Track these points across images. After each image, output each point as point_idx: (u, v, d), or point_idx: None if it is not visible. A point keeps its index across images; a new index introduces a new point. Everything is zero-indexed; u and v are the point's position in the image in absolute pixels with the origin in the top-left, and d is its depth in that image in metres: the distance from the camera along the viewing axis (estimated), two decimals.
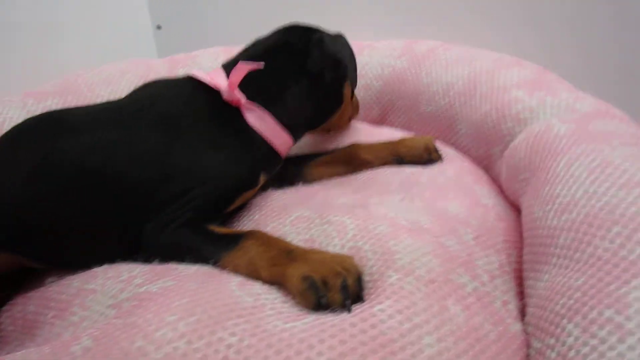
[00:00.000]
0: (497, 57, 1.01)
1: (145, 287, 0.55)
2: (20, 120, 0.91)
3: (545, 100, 0.83)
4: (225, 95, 0.74)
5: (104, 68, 1.21)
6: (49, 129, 0.74)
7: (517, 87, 0.89)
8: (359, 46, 1.25)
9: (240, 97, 0.74)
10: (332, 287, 0.50)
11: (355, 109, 1.02)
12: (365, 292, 0.52)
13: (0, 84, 1.15)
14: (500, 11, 1.27)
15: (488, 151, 0.90)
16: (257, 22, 1.70)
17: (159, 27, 1.79)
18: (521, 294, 0.60)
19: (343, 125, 1.01)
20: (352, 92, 0.94)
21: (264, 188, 0.81)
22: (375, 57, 1.21)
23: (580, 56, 1.17)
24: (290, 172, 0.87)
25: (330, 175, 0.88)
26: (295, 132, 0.82)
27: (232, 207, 0.74)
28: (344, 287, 0.50)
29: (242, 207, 0.77)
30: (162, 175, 0.68)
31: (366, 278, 0.54)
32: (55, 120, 0.77)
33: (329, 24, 1.36)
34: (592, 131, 0.69)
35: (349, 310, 0.49)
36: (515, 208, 0.77)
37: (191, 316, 0.48)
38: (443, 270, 0.54)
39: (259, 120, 0.76)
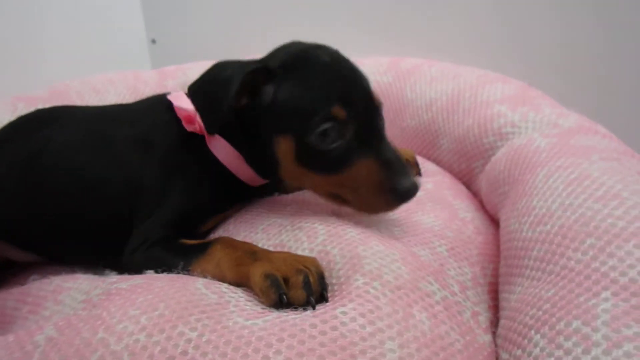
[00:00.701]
0: (482, 73, 1.02)
1: (115, 285, 0.54)
2: (8, 120, 0.94)
3: (528, 115, 0.83)
4: (185, 126, 0.71)
5: (93, 77, 1.24)
6: (39, 123, 0.81)
7: (500, 102, 0.89)
8: None
9: (200, 127, 0.70)
10: (293, 284, 0.50)
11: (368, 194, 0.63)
12: (329, 293, 0.51)
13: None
14: (484, 30, 1.29)
15: (469, 166, 0.90)
16: (250, 37, 1.74)
17: (153, 41, 1.81)
18: (495, 307, 0.60)
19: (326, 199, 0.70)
20: (312, 156, 0.63)
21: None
22: None
23: (564, 75, 1.18)
24: (270, 183, 0.84)
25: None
26: (261, 172, 0.72)
27: (206, 227, 0.73)
28: (306, 284, 0.49)
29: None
30: (132, 189, 0.72)
31: (332, 281, 0.53)
32: (50, 115, 0.83)
33: (318, 40, 1.37)
34: (573, 145, 0.69)
35: (314, 307, 0.48)
36: (495, 223, 0.76)
37: (154, 311, 0.47)
38: (411, 277, 0.54)
39: (220, 151, 0.71)
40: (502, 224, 0.68)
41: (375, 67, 1.21)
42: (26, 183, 0.75)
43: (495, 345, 0.52)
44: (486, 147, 0.85)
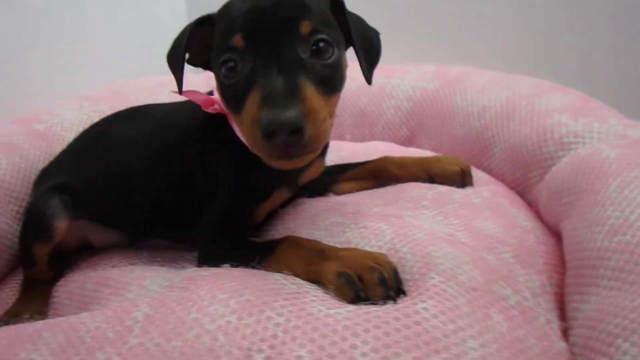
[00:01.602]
0: (538, 82, 0.99)
1: (197, 273, 0.57)
2: (75, 118, 1.06)
3: (592, 125, 0.81)
4: (204, 109, 0.70)
5: (144, 79, 1.31)
6: (126, 117, 0.89)
7: (561, 111, 0.86)
8: (390, 69, 1.28)
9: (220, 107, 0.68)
10: (369, 282, 0.51)
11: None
12: (405, 287, 0.52)
13: (56, 88, 1.22)
14: (532, 37, 1.27)
15: (525, 175, 0.88)
16: None
17: None
18: (562, 317, 0.58)
19: None
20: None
21: (294, 199, 0.81)
22: (406, 80, 1.23)
23: (624, 84, 1.15)
24: (321, 183, 0.86)
25: (359, 189, 0.87)
26: None
27: (259, 217, 0.74)
28: (382, 281, 0.50)
29: (276, 218, 0.77)
30: (181, 172, 0.76)
31: (406, 277, 0.54)
32: (135, 111, 0.91)
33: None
34: None
35: (395, 300, 0.49)
36: (554, 233, 0.75)
37: (240, 296, 0.49)
38: (484, 280, 0.54)
39: (233, 124, 0.68)
40: (567, 234, 0.66)
41: (421, 75, 1.20)
42: (110, 163, 0.82)
43: (571, 354, 0.51)
44: (545, 157, 0.83)
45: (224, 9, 0.61)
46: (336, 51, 0.57)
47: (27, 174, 0.88)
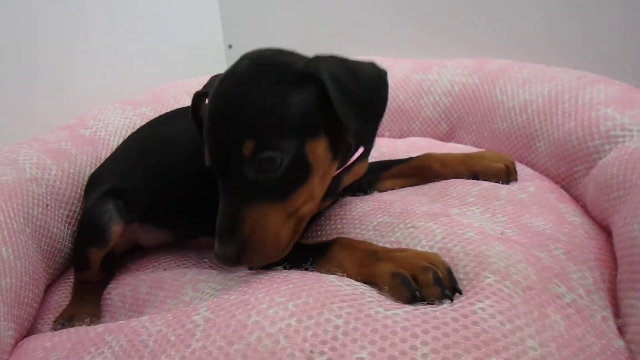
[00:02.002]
0: (580, 74, 0.98)
1: (253, 276, 0.59)
2: (118, 122, 1.09)
3: (639, 118, 0.79)
4: None
5: (184, 82, 1.33)
6: (175, 117, 0.93)
7: (606, 104, 0.85)
8: (427, 65, 1.28)
9: None
10: (424, 283, 0.52)
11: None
12: (460, 287, 0.53)
13: (98, 93, 1.27)
14: (568, 31, 1.25)
15: (570, 169, 0.87)
16: (328, 42, 1.78)
17: (230, 47, 1.89)
18: (617, 314, 0.58)
19: None
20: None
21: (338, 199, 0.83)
22: (444, 75, 1.22)
23: None
24: (363, 180, 0.87)
25: (402, 186, 0.88)
26: None
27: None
28: (437, 280, 0.51)
29: (322, 219, 0.78)
30: None
31: (459, 276, 0.54)
32: (180, 112, 0.94)
33: (396, 47, 1.39)
34: None
35: (452, 299, 0.50)
36: (603, 228, 0.74)
37: (298, 299, 0.50)
38: (539, 279, 0.54)
39: None
40: (618, 230, 0.65)
41: (459, 69, 1.20)
42: (161, 163, 0.85)
43: (630, 351, 0.51)
44: (591, 151, 0.82)
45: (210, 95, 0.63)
46: (285, 162, 0.57)
47: (76, 179, 0.91)
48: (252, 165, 0.57)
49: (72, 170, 0.91)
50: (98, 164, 0.97)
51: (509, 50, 1.29)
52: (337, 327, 0.47)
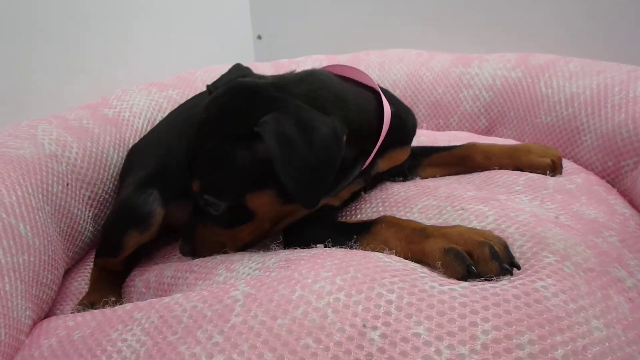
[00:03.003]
0: (631, 68, 0.99)
1: (294, 254, 0.58)
2: (143, 103, 1.08)
3: None
4: None
5: (213, 67, 1.32)
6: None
7: None
8: (467, 59, 1.29)
9: None
10: (480, 257, 0.51)
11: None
12: (519, 262, 0.52)
13: (126, 77, 1.28)
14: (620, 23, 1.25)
15: (617, 163, 0.87)
16: (356, 33, 1.80)
17: (259, 37, 1.92)
18: None
19: None
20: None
21: (376, 183, 0.83)
22: (486, 69, 1.23)
23: None
24: (403, 165, 0.87)
25: (443, 175, 0.88)
26: None
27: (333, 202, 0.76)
28: (495, 255, 0.51)
29: (361, 202, 0.78)
30: None
31: (516, 255, 0.54)
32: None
33: (434, 39, 1.39)
34: None
35: (512, 274, 0.50)
36: None
37: (346, 273, 0.50)
38: (599, 261, 0.54)
39: None
40: None
41: (502, 63, 1.21)
42: None
43: None
44: None
45: None
46: (223, 205, 0.67)
47: (98, 159, 0.91)
48: (201, 199, 0.68)
49: (94, 150, 0.91)
50: (123, 146, 0.97)
51: (552, 45, 1.29)
52: (389, 301, 0.46)
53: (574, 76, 1.04)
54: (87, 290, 0.81)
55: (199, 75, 1.24)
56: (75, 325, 0.59)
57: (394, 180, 0.86)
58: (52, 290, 0.75)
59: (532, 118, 1.09)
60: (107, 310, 0.59)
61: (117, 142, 0.97)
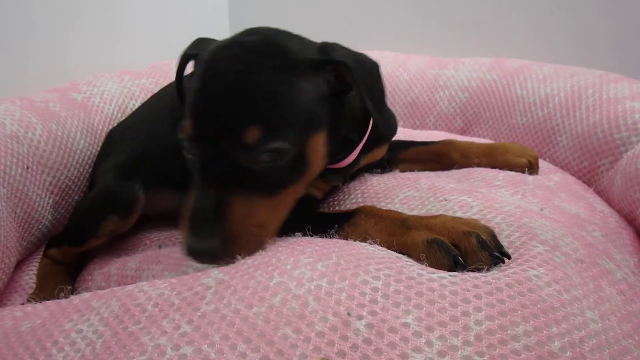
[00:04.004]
0: (602, 72, 0.99)
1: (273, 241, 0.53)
2: (115, 90, 1.01)
3: None
4: None
5: None
6: None
7: (631, 99, 0.86)
8: (443, 61, 1.27)
9: None
10: (468, 249, 0.47)
11: None
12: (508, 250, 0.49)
13: (100, 65, 1.20)
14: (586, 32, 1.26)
15: (593, 163, 0.86)
16: (340, 37, 1.76)
17: None
18: None
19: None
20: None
21: (355, 175, 0.79)
22: (461, 71, 1.22)
23: None
24: (383, 159, 0.83)
25: (419, 170, 0.84)
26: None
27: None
28: (483, 244, 0.47)
29: (340, 194, 0.74)
30: None
31: (504, 244, 0.50)
32: None
33: (410, 43, 1.39)
34: None
35: (503, 262, 0.46)
36: (630, 221, 0.73)
37: (328, 259, 0.45)
38: (588, 253, 0.51)
39: None
40: None
41: (477, 66, 1.20)
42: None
43: None
44: (617, 143, 0.82)
45: (197, 63, 0.57)
46: (291, 152, 0.52)
47: (64, 142, 0.84)
48: (251, 153, 0.50)
49: (59, 133, 0.83)
50: (91, 132, 0.90)
51: (526, 51, 1.29)
52: (375, 289, 0.42)
53: (547, 79, 1.04)
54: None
55: (173, 65, 1.17)
56: (23, 315, 0.51)
57: (371, 172, 0.81)
58: (1, 280, 0.67)
59: (507, 119, 1.08)
60: (62, 300, 0.51)
61: (85, 127, 0.90)
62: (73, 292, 0.71)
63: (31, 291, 0.71)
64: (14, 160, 0.74)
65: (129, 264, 0.67)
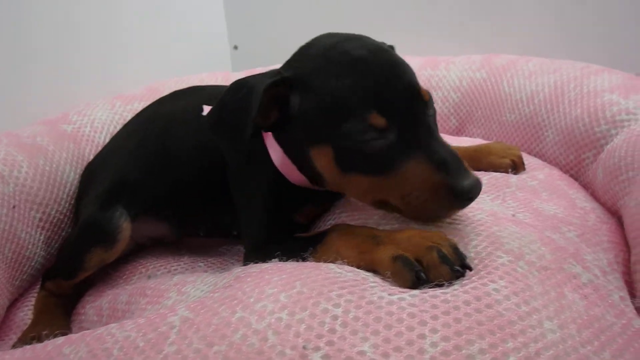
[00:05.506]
0: (584, 65, 0.99)
1: (244, 271, 0.54)
2: (106, 118, 1.03)
3: None
4: None
5: (186, 78, 1.29)
6: (179, 97, 0.89)
7: (610, 91, 0.87)
8: (435, 61, 1.29)
9: None
10: (429, 264, 0.48)
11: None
12: (470, 262, 0.49)
13: (93, 90, 1.22)
14: (578, 24, 1.25)
15: (579, 157, 0.87)
16: None
17: (235, 48, 1.88)
18: (632, 295, 0.56)
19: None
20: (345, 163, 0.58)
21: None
22: (453, 71, 1.24)
23: None
24: None
25: None
26: (312, 181, 0.66)
27: (300, 221, 0.72)
28: (444, 258, 0.47)
29: (327, 213, 0.74)
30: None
31: (470, 255, 0.51)
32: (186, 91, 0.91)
33: (404, 43, 1.40)
34: None
35: (464, 275, 0.47)
36: (613, 214, 0.73)
37: (292, 289, 0.46)
38: (554, 258, 0.51)
39: (272, 151, 0.67)
40: (629, 211, 0.65)
41: (467, 64, 1.21)
42: (157, 153, 0.81)
43: None
44: (598, 136, 0.82)
45: (326, 71, 0.57)
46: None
47: (52, 177, 0.85)
48: (428, 110, 0.57)
49: (47, 168, 0.85)
50: (81, 163, 0.92)
51: (516, 46, 1.29)
52: (335, 317, 0.43)
53: (533, 75, 1.04)
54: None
55: (169, 86, 1.19)
56: None
57: None
58: None
59: (498, 116, 1.09)
60: (38, 346, 0.51)
61: (75, 159, 0.91)
62: (69, 326, 0.73)
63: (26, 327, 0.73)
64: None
65: (120, 297, 0.69)
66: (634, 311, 0.51)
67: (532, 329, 0.41)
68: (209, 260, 0.80)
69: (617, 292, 0.52)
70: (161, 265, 0.79)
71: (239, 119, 0.55)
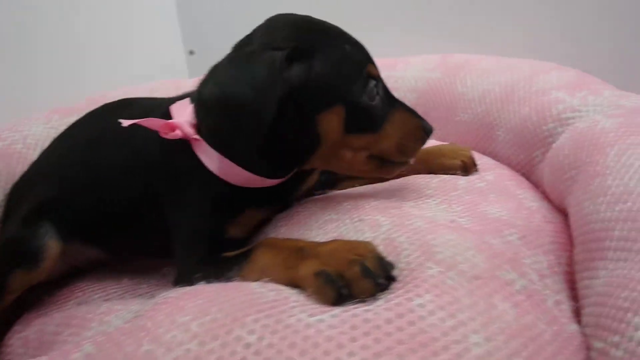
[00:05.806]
0: (536, 63, 0.99)
1: (164, 296, 0.51)
2: (40, 133, 0.98)
3: (587, 99, 0.80)
4: (162, 135, 0.63)
5: (135, 87, 1.23)
6: (107, 113, 0.84)
7: (557, 88, 0.86)
8: (392, 62, 1.27)
9: (189, 133, 0.63)
10: (351, 278, 0.45)
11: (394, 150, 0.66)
12: (400, 277, 0.47)
13: (30, 103, 1.16)
14: (533, 21, 1.26)
15: (529, 155, 0.85)
16: None
17: (191, 53, 1.82)
18: (574, 297, 0.55)
19: (365, 174, 0.73)
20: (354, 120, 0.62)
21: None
22: (409, 71, 1.22)
23: (621, 61, 1.13)
24: (319, 184, 0.82)
25: (360, 185, 0.82)
26: (261, 170, 0.65)
27: (235, 234, 0.68)
28: (366, 272, 0.45)
29: (269, 226, 0.72)
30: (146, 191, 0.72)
31: (400, 266, 0.49)
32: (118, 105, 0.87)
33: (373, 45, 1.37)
34: None
35: (388, 287, 0.45)
36: (561, 212, 0.72)
37: (205, 315, 0.44)
38: (488, 266, 0.50)
39: (205, 156, 0.65)
40: (572, 210, 0.64)
41: (424, 64, 1.20)
42: (82, 173, 0.77)
43: (585, 335, 0.47)
44: (545, 135, 0.81)
45: (325, 39, 0.63)
46: None
47: None
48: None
49: None
50: (11, 182, 0.87)
51: (475, 44, 1.29)
52: (247, 345, 0.40)
53: (485, 73, 1.04)
54: None
55: (115, 96, 1.11)
56: None
57: (307, 195, 0.80)
58: None
59: (452, 117, 1.08)
60: None
61: (5, 177, 0.86)
62: None
63: None
64: None
65: (47, 327, 0.65)
66: (570, 315, 0.50)
67: (457, 344, 0.39)
68: (152, 282, 0.76)
69: (553, 297, 0.50)
70: (99, 289, 0.75)
71: (260, 95, 0.53)
